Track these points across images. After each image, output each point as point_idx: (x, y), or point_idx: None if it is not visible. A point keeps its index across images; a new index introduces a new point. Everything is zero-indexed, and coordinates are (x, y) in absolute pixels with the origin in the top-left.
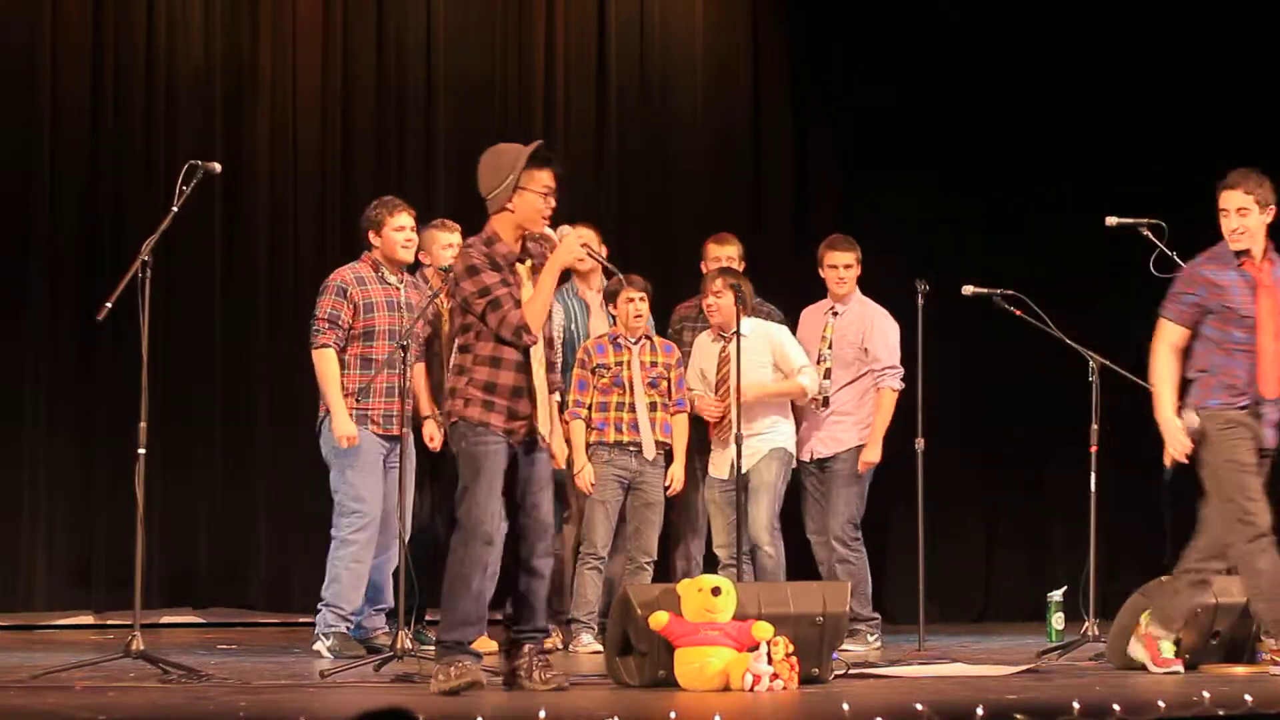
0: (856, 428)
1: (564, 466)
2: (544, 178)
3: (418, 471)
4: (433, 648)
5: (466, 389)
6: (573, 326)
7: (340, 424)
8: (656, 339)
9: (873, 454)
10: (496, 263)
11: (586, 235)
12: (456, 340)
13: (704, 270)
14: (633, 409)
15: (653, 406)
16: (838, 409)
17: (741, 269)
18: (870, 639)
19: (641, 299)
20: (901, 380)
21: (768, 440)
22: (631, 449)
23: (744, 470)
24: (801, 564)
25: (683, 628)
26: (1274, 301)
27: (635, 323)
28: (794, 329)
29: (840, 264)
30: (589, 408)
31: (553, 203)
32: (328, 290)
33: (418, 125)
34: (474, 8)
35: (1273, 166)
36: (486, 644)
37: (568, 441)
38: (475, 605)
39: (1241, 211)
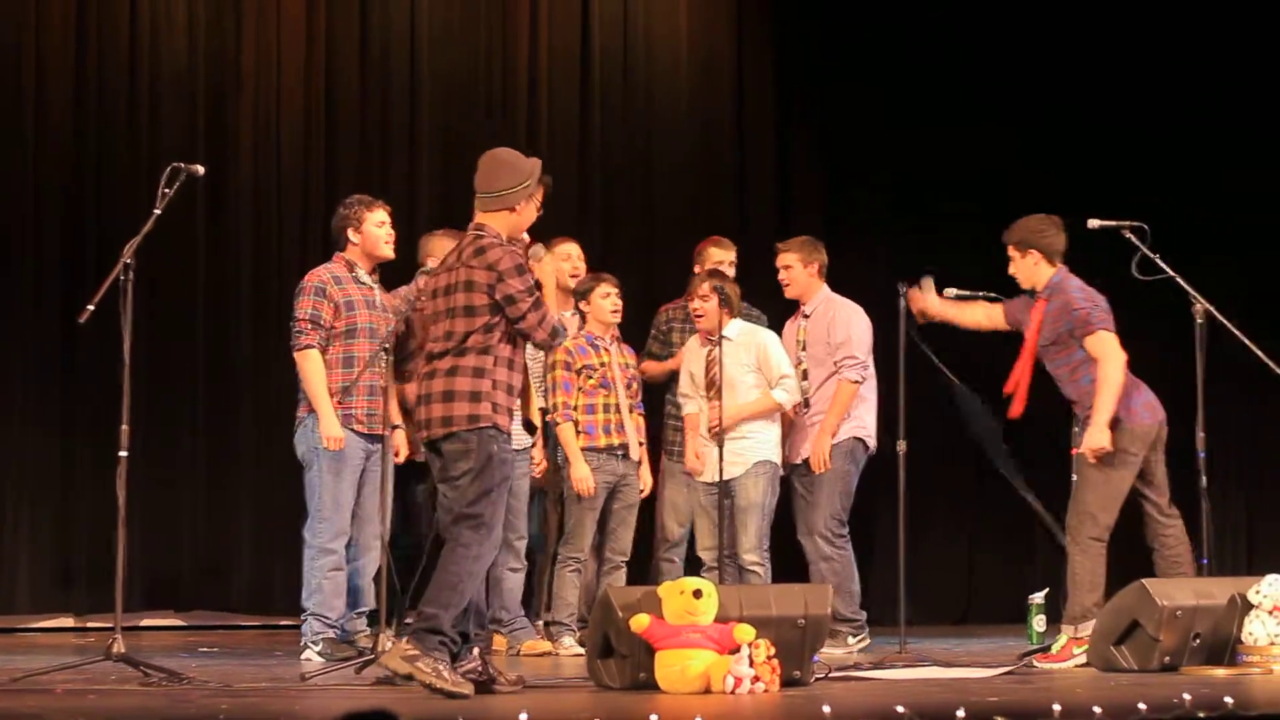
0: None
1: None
2: (541, 194)
3: (396, 475)
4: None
5: (494, 393)
6: None
7: (328, 426)
8: (622, 343)
9: (821, 445)
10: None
11: (570, 250)
12: (472, 340)
13: (697, 272)
14: (618, 410)
15: (629, 408)
16: (820, 408)
17: (732, 273)
18: (851, 640)
19: (619, 294)
20: (861, 373)
21: (752, 449)
22: (619, 452)
23: (727, 477)
24: (791, 566)
25: (664, 630)
26: None
27: (614, 317)
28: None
29: (780, 265)
30: (575, 410)
31: None
32: (305, 291)
33: (401, 124)
34: (457, 6)
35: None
36: (542, 645)
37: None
38: (467, 600)
39: None
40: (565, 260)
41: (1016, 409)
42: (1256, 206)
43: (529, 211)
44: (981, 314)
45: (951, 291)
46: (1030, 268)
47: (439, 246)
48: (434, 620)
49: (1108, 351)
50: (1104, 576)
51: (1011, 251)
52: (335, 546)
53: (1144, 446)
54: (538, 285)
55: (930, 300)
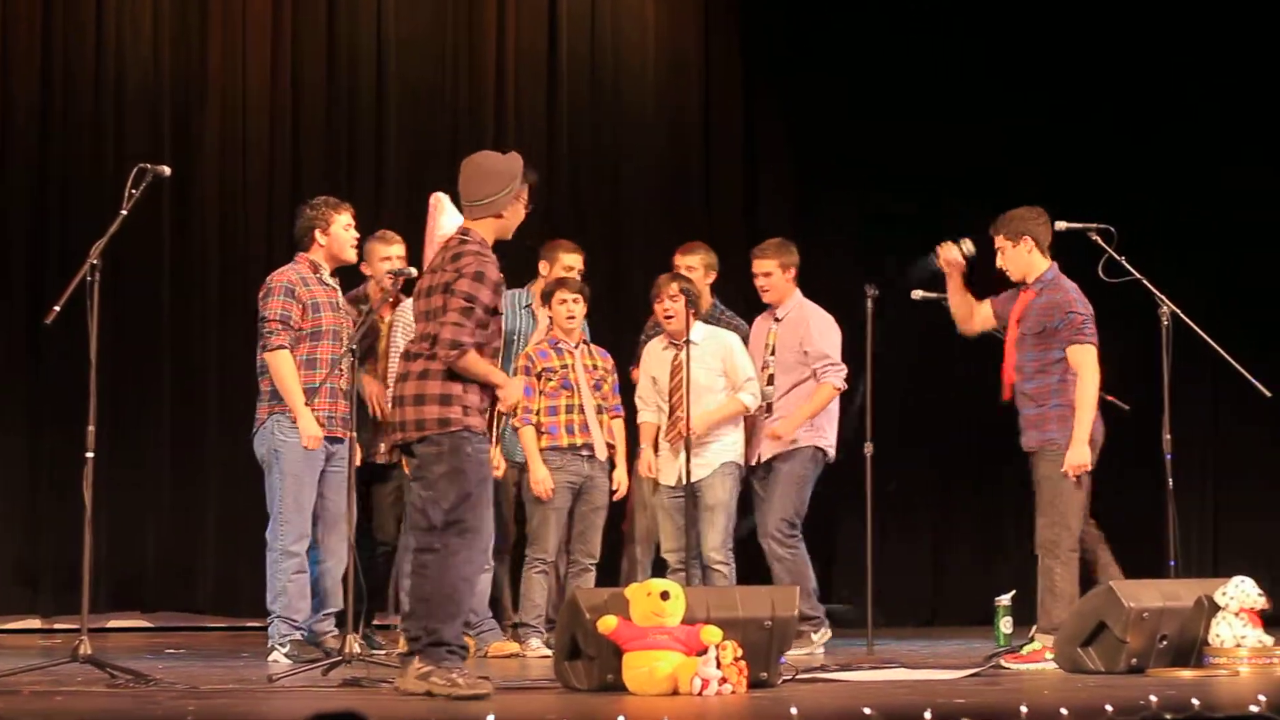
0: (801, 429)
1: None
2: (527, 192)
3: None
4: (381, 652)
5: (465, 396)
6: (514, 336)
7: (307, 425)
8: (592, 345)
9: (784, 428)
10: (502, 280)
11: (573, 262)
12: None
13: None
14: (582, 410)
15: (597, 409)
16: (783, 413)
17: (712, 279)
18: (814, 637)
19: (575, 300)
20: (844, 380)
21: (717, 451)
22: (584, 452)
23: (694, 479)
24: (755, 567)
25: (631, 632)
26: None
27: (568, 324)
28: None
29: (759, 272)
30: (537, 413)
31: None
32: (275, 291)
33: (368, 128)
34: (424, 11)
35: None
36: (510, 646)
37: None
38: (468, 608)
39: None
40: (567, 271)
41: (1006, 393)
42: (1249, 204)
43: (515, 213)
44: (977, 315)
45: (918, 293)
46: (1023, 256)
47: (369, 251)
48: (437, 634)
49: (1089, 366)
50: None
51: (1002, 242)
52: (297, 549)
53: (1098, 454)
54: (495, 311)
55: (962, 262)
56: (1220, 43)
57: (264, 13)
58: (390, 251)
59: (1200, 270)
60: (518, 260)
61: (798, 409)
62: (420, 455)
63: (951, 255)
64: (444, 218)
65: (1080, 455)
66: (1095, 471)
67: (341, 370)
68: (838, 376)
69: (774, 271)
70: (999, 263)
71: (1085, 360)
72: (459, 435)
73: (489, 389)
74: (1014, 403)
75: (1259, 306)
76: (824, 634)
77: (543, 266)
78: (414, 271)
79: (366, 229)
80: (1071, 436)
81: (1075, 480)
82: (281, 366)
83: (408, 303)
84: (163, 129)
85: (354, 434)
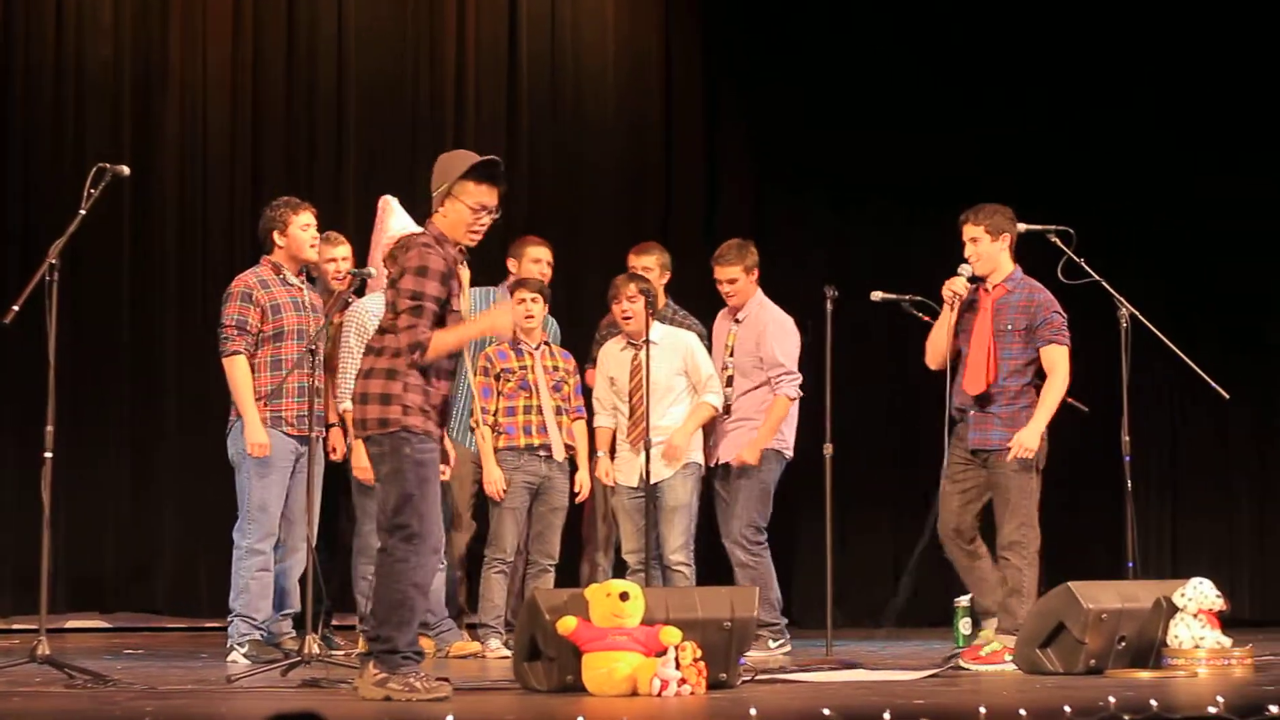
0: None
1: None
2: (479, 192)
3: (326, 475)
4: (340, 652)
5: (405, 395)
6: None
7: (254, 432)
8: (555, 346)
9: (750, 455)
10: (451, 270)
11: (541, 254)
12: (387, 339)
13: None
14: (540, 411)
15: (557, 410)
16: (741, 415)
17: (666, 278)
18: (771, 645)
19: (534, 300)
20: (798, 388)
21: None
22: (541, 453)
23: (657, 479)
24: (715, 569)
25: (591, 632)
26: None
27: (527, 323)
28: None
29: (724, 279)
30: (495, 413)
31: (485, 221)
32: (232, 297)
33: (328, 123)
34: (384, 6)
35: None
36: (470, 646)
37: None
38: (422, 613)
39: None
40: (535, 264)
41: (982, 385)
42: (1222, 213)
43: (455, 211)
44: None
45: (878, 295)
46: (997, 254)
47: (319, 251)
48: (390, 643)
49: (1064, 367)
50: None
51: (982, 233)
52: (263, 547)
53: (1044, 456)
54: (445, 301)
55: (965, 293)
56: (1193, 53)
57: (224, 8)
58: (335, 253)
59: (1173, 277)
60: (488, 261)
61: (759, 433)
62: (369, 455)
63: (957, 286)
64: (391, 220)
65: (1032, 439)
66: (1049, 472)
67: (308, 368)
68: (791, 386)
69: (739, 277)
70: (968, 253)
71: (1061, 361)
72: (398, 435)
73: (447, 379)
74: (974, 399)
75: (1231, 312)
76: (783, 644)
77: (511, 265)
78: (373, 272)
79: (328, 221)
80: (1030, 423)
81: (1038, 476)
82: (234, 372)
83: (359, 304)
84: (123, 125)
85: (324, 430)
